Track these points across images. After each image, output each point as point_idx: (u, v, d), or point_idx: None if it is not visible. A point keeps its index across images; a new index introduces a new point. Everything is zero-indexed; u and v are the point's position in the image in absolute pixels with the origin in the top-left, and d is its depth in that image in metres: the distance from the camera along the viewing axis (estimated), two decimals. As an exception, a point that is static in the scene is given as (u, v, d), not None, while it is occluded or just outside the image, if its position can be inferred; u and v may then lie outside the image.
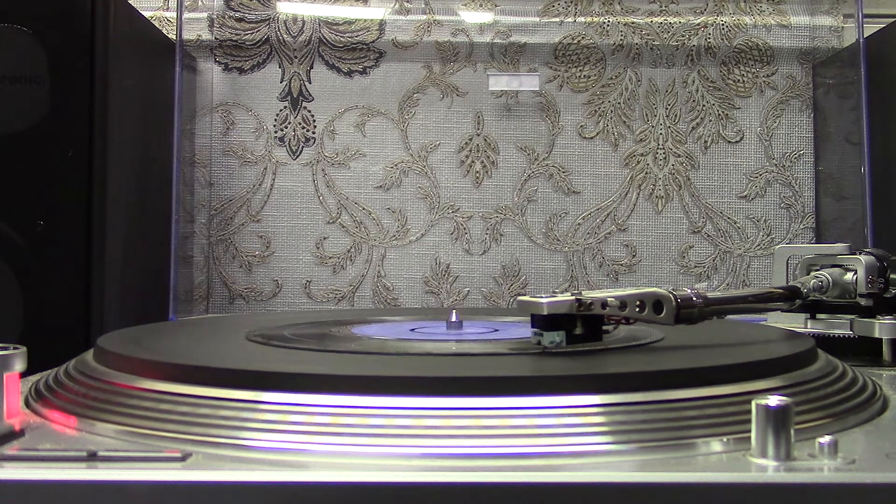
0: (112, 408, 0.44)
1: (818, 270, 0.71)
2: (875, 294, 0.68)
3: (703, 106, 1.19)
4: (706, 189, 1.19)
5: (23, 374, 0.44)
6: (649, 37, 1.19)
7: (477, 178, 1.19)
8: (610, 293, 0.53)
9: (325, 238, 1.18)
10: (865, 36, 1.09)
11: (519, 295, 1.17)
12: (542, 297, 0.51)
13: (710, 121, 1.19)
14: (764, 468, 0.36)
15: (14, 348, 0.43)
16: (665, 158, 1.19)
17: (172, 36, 1.13)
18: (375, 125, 1.19)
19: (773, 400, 0.37)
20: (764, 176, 1.19)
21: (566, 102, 1.19)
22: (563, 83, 1.19)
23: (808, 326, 0.72)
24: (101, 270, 0.83)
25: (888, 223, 1.03)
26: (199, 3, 1.18)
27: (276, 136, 1.18)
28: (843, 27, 1.20)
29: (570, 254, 1.18)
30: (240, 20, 1.19)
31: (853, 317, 0.68)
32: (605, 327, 0.54)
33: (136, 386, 0.45)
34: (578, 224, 1.18)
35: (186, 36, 1.15)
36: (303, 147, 1.18)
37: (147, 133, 1.01)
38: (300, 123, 1.18)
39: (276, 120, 1.18)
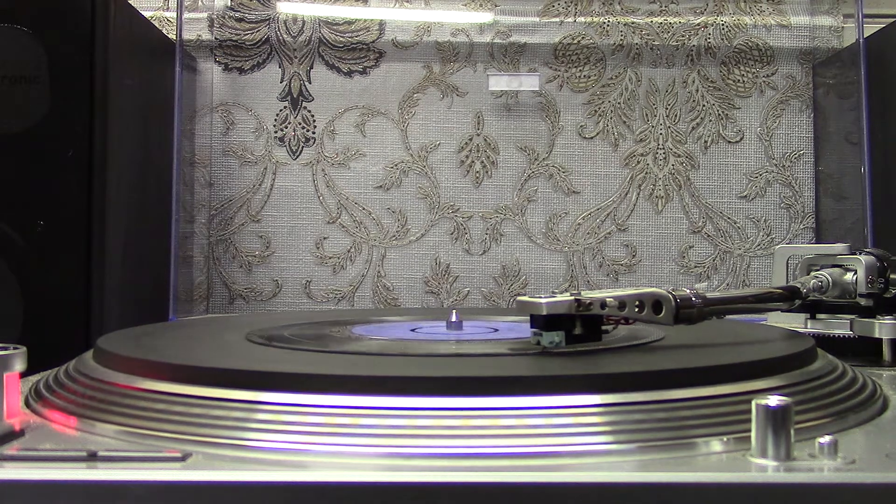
0: (112, 408, 0.44)
1: (818, 270, 0.71)
2: (875, 294, 0.68)
3: (703, 106, 1.19)
4: (706, 189, 1.19)
5: (23, 374, 0.44)
6: (649, 37, 1.19)
7: (477, 178, 1.19)
8: (609, 293, 0.53)
9: (325, 238, 1.18)
10: (865, 36, 1.09)
11: (519, 295, 1.17)
12: (541, 298, 0.51)
13: (710, 121, 1.19)
14: (764, 468, 0.36)
15: (14, 348, 0.43)
16: (665, 158, 1.19)
17: (172, 36, 1.13)
18: (375, 125, 1.19)
19: (773, 400, 0.37)
20: (764, 176, 1.19)
21: (566, 102, 1.19)
22: (563, 83, 1.19)
23: (808, 326, 0.72)
24: (101, 270, 0.83)
25: (888, 223, 1.03)
26: (199, 3, 1.18)
27: (276, 136, 1.18)
28: (843, 27, 1.20)
29: (570, 254, 1.18)
30: (240, 20, 1.18)
31: (853, 317, 0.68)
32: (604, 327, 0.54)
33: (136, 386, 0.45)
34: (578, 224, 1.18)
35: (186, 36, 1.15)
36: (303, 147, 1.18)
37: (147, 133, 1.01)
38: (300, 123, 1.18)
39: (276, 120, 1.18)
